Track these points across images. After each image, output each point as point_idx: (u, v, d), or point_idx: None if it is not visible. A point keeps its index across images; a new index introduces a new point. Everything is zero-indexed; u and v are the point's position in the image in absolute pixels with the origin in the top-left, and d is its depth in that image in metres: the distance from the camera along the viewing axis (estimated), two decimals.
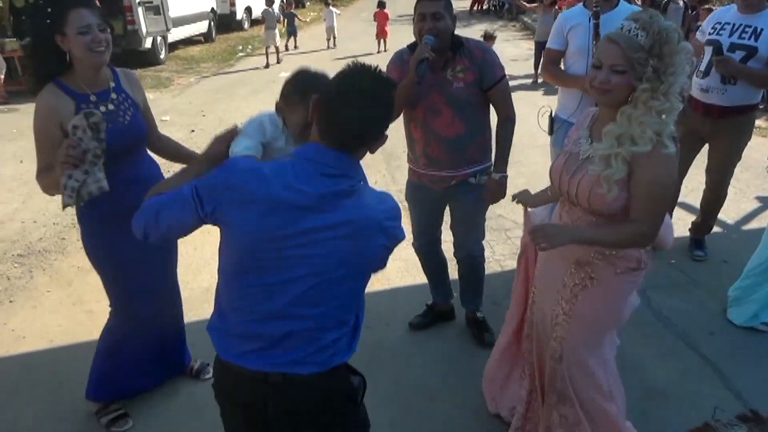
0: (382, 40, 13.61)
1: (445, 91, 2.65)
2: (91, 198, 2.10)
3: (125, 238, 2.22)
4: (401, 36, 14.84)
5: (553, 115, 3.50)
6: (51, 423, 2.68)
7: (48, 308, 3.57)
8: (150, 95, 9.29)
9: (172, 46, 12.93)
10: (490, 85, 2.69)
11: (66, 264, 4.08)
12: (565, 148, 2.11)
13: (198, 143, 6.20)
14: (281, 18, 13.29)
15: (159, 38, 11.55)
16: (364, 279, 1.54)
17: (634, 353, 3.10)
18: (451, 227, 3.09)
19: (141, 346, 2.65)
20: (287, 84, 1.79)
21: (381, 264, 1.54)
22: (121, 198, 2.21)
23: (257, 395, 1.49)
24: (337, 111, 1.41)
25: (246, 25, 17.43)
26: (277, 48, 12.39)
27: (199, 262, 3.99)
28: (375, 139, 1.47)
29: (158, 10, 10.99)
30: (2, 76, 9.02)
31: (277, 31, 12.36)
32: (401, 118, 2.83)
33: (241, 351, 1.47)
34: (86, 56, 2.15)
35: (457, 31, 2.72)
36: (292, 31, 13.96)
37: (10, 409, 2.77)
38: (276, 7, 12.67)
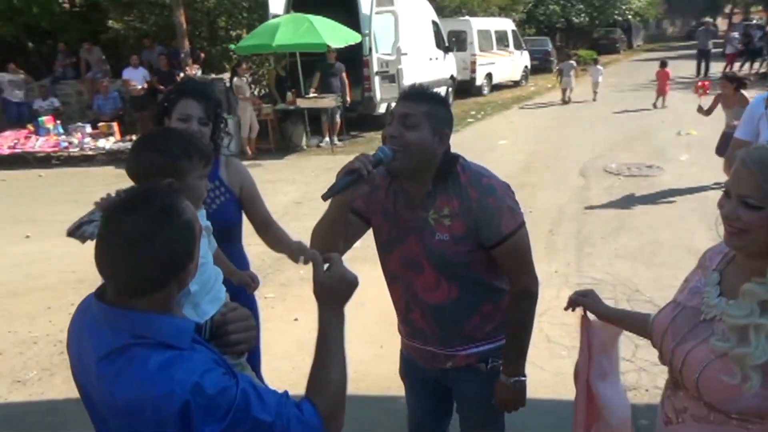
0: (661, 98, 13.89)
1: (425, 240, 1.82)
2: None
3: None
4: (675, 98, 14.07)
5: None
6: None
7: None
8: None
9: None
10: (492, 244, 1.78)
11: None
12: (678, 296, 1.52)
13: None
14: (575, 68, 15.75)
15: (392, 104, 12.29)
16: None
17: None
18: (460, 424, 2.16)
19: None
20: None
21: None
22: None
23: None
24: (98, 259, 1.16)
25: (486, 90, 17.74)
26: (570, 89, 15.47)
27: None
28: (157, 288, 1.16)
29: (393, 79, 11.76)
30: (254, 136, 10.45)
31: (572, 78, 15.40)
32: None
33: None
34: None
35: None
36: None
37: None
38: (573, 61, 16.29)
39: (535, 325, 1.96)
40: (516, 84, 19.88)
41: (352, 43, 10.47)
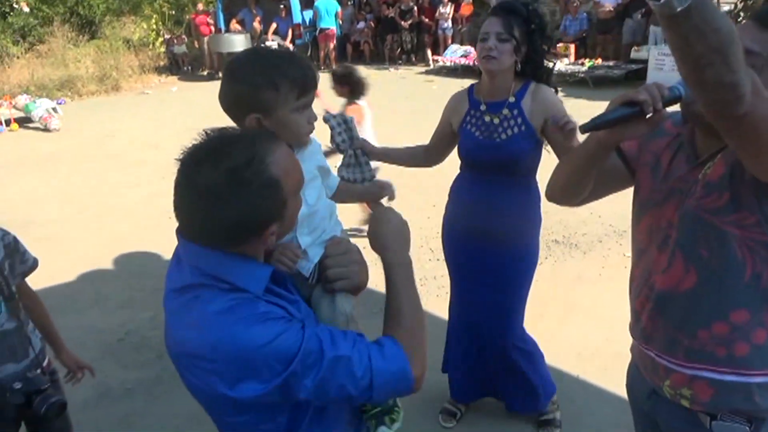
0: None
1: (684, 205, 1.31)
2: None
3: (462, 254, 2.54)
4: None
5: None
6: None
7: None
8: None
9: None
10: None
11: None
12: None
13: None
14: None
15: None
16: (239, 416, 1.13)
17: None
18: None
19: (463, 356, 2.68)
20: None
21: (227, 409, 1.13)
22: (474, 216, 2.42)
23: None
24: (174, 203, 1.10)
25: None
26: None
27: None
28: (230, 245, 1.10)
29: None
30: None
31: None
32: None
33: None
34: (479, 59, 2.26)
35: None
36: None
37: None
38: None
39: None
40: None
41: None
